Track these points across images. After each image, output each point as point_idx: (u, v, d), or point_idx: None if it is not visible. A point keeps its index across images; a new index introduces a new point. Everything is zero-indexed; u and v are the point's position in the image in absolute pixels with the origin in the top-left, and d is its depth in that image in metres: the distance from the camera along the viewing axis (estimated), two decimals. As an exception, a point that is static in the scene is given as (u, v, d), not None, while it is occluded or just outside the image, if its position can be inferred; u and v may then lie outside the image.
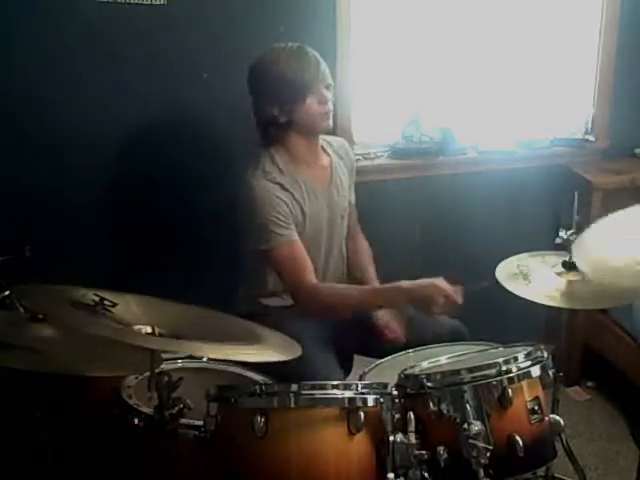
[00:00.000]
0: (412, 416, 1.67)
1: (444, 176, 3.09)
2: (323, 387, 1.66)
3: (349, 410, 1.63)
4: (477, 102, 3.15)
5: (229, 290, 2.45)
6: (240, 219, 2.29)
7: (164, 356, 1.86)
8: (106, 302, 1.77)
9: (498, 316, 2.88)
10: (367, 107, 3.03)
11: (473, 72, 3.12)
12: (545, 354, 1.83)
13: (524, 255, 2.28)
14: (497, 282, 2.14)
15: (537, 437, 1.75)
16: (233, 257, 2.45)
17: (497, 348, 2.04)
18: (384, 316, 2.37)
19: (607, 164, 3.23)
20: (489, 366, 1.74)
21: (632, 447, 2.84)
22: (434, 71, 3.08)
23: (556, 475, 2.38)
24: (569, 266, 2.16)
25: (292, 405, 1.63)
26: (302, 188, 2.29)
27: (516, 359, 1.77)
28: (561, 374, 2.16)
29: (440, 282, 2.10)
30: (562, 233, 2.17)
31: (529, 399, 1.76)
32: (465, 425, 1.66)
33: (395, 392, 1.70)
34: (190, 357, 2.10)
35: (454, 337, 2.28)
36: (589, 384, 3.25)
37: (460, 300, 2.10)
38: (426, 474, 1.64)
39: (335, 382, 1.68)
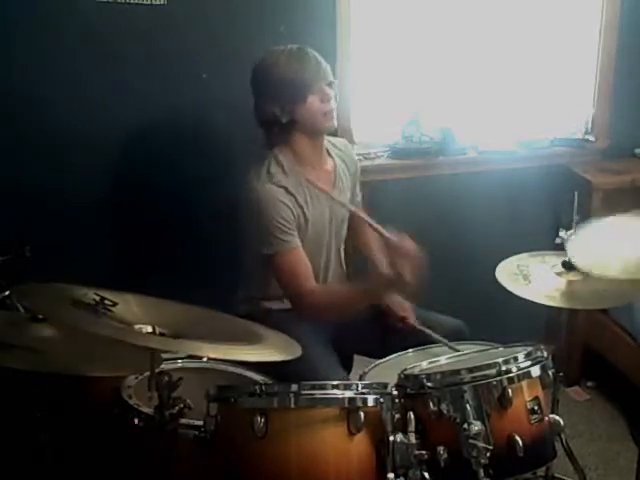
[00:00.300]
0: (412, 416, 1.67)
1: (444, 176, 3.09)
2: (323, 387, 1.66)
3: (349, 410, 1.63)
4: (477, 102, 3.15)
5: (229, 290, 2.45)
6: (243, 222, 2.28)
7: (164, 356, 1.86)
8: (106, 302, 1.77)
9: (498, 316, 2.88)
10: (367, 107, 3.03)
11: (473, 72, 3.12)
12: (545, 354, 1.83)
13: (524, 255, 2.29)
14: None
15: (537, 437, 1.75)
16: (233, 257, 2.45)
17: (497, 348, 2.04)
18: (395, 299, 2.36)
19: (607, 164, 3.22)
20: (489, 366, 1.74)
21: (632, 447, 2.84)
22: (434, 71, 3.08)
23: (556, 475, 2.38)
24: (569, 266, 2.16)
25: (292, 405, 1.63)
26: (305, 191, 2.28)
27: (516, 359, 1.77)
28: (561, 374, 2.17)
29: (404, 252, 2.04)
30: (562, 233, 2.17)
31: (529, 399, 1.76)
32: (465, 425, 1.66)
33: (395, 392, 1.70)
34: (190, 357, 2.10)
35: (455, 337, 2.28)
36: (589, 384, 3.25)
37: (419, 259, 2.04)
38: (426, 474, 1.64)
39: (335, 382, 1.68)
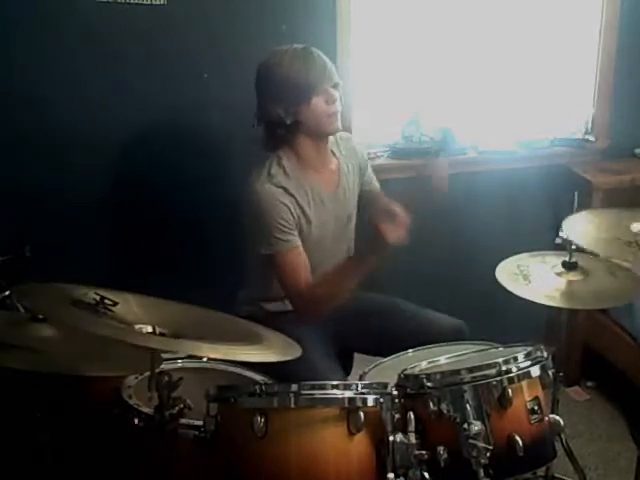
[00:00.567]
0: (412, 416, 1.67)
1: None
2: (323, 387, 1.66)
3: (349, 410, 1.63)
4: (477, 102, 3.15)
5: (229, 290, 2.45)
6: (244, 223, 2.28)
7: (164, 356, 1.86)
8: (107, 301, 1.77)
9: (498, 316, 2.88)
10: (367, 107, 3.03)
11: (473, 72, 3.12)
12: (545, 354, 1.83)
13: (524, 255, 2.29)
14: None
15: (537, 437, 1.75)
16: (233, 257, 2.45)
17: (497, 348, 2.04)
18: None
19: (607, 164, 3.22)
20: (489, 366, 1.74)
21: (632, 447, 2.84)
22: (434, 71, 3.08)
23: (556, 475, 2.38)
24: (569, 266, 2.16)
25: (292, 405, 1.63)
26: (308, 194, 2.28)
27: (516, 359, 1.77)
28: (561, 374, 2.17)
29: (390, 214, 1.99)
30: (562, 233, 2.16)
31: (529, 399, 1.76)
32: (465, 425, 1.66)
33: (395, 392, 1.70)
34: (190, 357, 2.10)
35: (456, 336, 2.28)
36: (589, 384, 3.25)
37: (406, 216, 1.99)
38: (426, 474, 1.64)
39: (335, 382, 1.68)
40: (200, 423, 1.72)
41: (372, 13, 2.93)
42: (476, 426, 1.66)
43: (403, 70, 3.05)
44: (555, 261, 2.21)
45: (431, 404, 1.71)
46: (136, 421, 1.85)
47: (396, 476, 1.62)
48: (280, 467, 1.62)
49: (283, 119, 2.22)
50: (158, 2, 2.62)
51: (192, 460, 1.75)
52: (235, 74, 2.61)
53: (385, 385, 1.71)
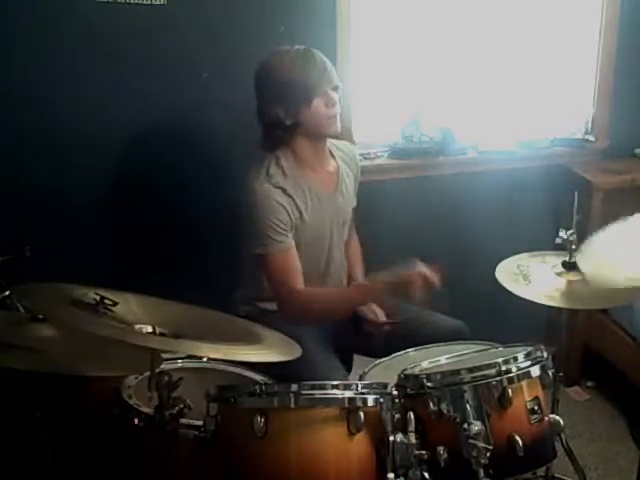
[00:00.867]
0: (412, 416, 1.67)
1: (444, 176, 3.09)
2: (323, 387, 1.66)
3: (349, 410, 1.63)
4: (477, 102, 3.15)
5: (229, 290, 2.45)
6: (240, 221, 2.28)
7: (164, 356, 1.86)
8: (107, 301, 1.77)
9: (498, 316, 2.88)
10: (367, 107, 3.03)
11: (473, 72, 3.12)
12: (545, 354, 1.83)
13: (524, 255, 2.29)
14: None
15: (537, 437, 1.75)
16: (233, 257, 2.45)
17: (497, 348, 2.04)
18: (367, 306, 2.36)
19: (607, 164, 3.22)
20: (489, 366, 1.74)
21: (632, 447, 2.84)
22: (434, 71, 3.08)
23: (556, 475, 2.38)
24: (569, 266, 2.16)
25: (292, 405, 1.63)
26: (305, 193, 2.28)
27: (516, 359, 1.77)
28: (561, 374, 2.17)
29: (416, 268, 2.11)
30: (562, 233, 2.16)
31: (529, 399, 1.76)
32: (465, 425, 1.66)
33: (395, 392, 1.70)
34: (190, 357, 2.10)
35: (456, 336, 2.28)
36: (589, 384, 3.25)
37: (438, 282, 2.10)
38: (426, 474, 1.64)
39: (335, 382, 1.68)
40: (200, 423, 1.72)
41: (372, 13, 2.93)
42: (476, 426, 1.66)
43: (403, 70, 3.05)
44: (555, 261, 2.21)
45: (431, 404, 1.71)
46: (136, 421, 1.85)
47: (396, 476, 1.62)
48: (280, 467, 1.62)
49: (283, 120, 2.22)
50: (158, 2, 2.62)
51: (192, 460, 1.74)
52: (235, 74, 2.61)
53: (385, 385, 1.71)
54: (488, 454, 1.65)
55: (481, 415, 1.70)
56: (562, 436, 2.06)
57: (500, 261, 2.26)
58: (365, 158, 2.94)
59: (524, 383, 1.76)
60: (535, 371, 1.78)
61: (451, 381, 1.73)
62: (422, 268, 2.11)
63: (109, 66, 2.61)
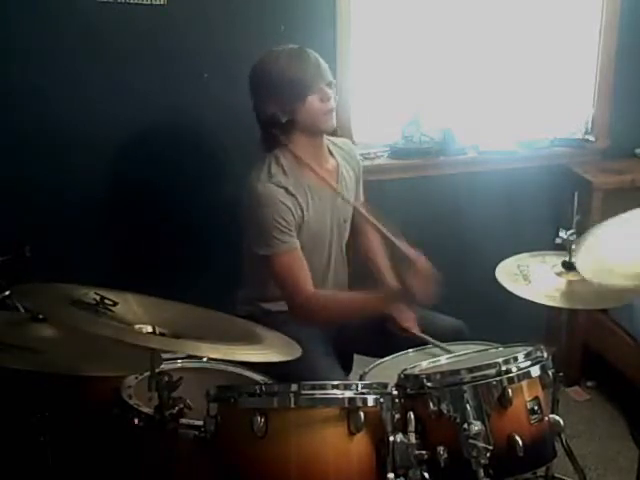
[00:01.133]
0: (412, 416, 1.67)
1: (444, 176, 3.09)
2: (323, 387, 1.66)
3: (349, 410, 1.63)
4: (477, 102, 3.15)
5: (229, 290, 2.45)
6: (243, 222, 2.28)
7: (164, 356, 1.86)
8: (107, 301, 1.77)
9: (498, 316, 2.88)
10: (367, 107, 3.03)
11: (473, 72, 3.12)
12: (545, 354, 1.83)
13: (524, 255, 2.29)
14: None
15: (537, 437, 1.75)
16: (233, 257, 2.45)
17: (497, 348, 2.04)
18: (400, 308, 2.35)
19: (607, 164, 3.22)
20: (489, 366, 1.74)
21: (632, 447, 2.84)
22: (434, 71, 3.08)
23: (556, 475, 2.38)
24: (569, 266, 2.16)
25: (292, 405, 1.63)
26: (306, 192, 2.28)
27: (516, 359, 1.77)
28: (561, 374, 2.16)
29: (418, 270, 2.10)
30: (562, 233, 2.16)
31: (529, 399, 1.76)
32: (465, 425, 1.66)
33: (395, 392, 1.70)
34: (190, 357, 2.10)
35: (456, 336, 2.28)
36: (589, 384, 3.25)
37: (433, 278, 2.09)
38: (426, 474, 1.65)
39: (335, 382, 1.68)
40: (200, 423, 1.72)
41: (372, 13, 2.93)
42: (476, 426, 1.66)
43: (403, 70, 3.05)
44: (555, 261, 2.21)
45: (431, 404, 1.71)
46: (136, 421, 1.85)
47: (396, 476, 1.62)
48: (280, 467, 1.62)
49: (279, 118, 2.23)
50: (158, 2, 2.62)
51: (192, 460, 1.75)
52: (235, 74, 2.60)
53: (385, 385, 1.71)
54: (488, 454, 1.65)
55: (481, 415, 1.70)
56: (562, 436, 2.06)
57: (500, 261, 2.26)
58: (365, 158, 2.93)
59: (524, 383, 1.76)
60: (535, 371, 1.78)
61: (451, 381, 1.73)
62: (422, 269, 2.10)
63: (109, 66, 2.61)
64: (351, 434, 1.63)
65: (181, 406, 1.72)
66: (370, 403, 1.65)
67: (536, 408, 1.76)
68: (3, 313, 2.07)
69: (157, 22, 2.64)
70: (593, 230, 2.06)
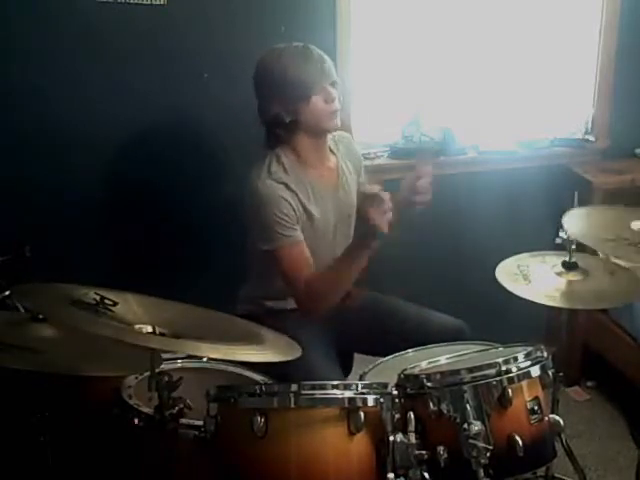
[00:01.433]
0: (412, 416, 1.67)
1: (444, 176, 3.08)
2: (323, 387, 1.66)
3: (349, 410, 1.63)
4: (477, 102, 3.15)
5: (229, 290, 2.45)
6: (246, 221, 2.28)
7: (164, 356, 1.86)
8: (107, 301, 1.77)
9: (498, 316, 2.88)
10: (367, 107, 3.03)
11: (473, 72, 3.12)
12: (545, 354, 1.83)
13: (524, 255, 2.28)
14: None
15: (537, 437, 1.75)
16: (233, 257, 2.45)
17: (497, 348, 2.04)
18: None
19: (607, 164, 3.22)
20: (489, 366, 1.74)
21: (632, 447, 2.84)
22: (434, 71, 3.08)
23: (556, 475, 2.38)
24: (569, 266, 2.16)
25: (292, 405, 1.63)
26: (308, 189, 2.27)
27: (516, 359, 1.77)
28: (561, 374, 2.16)
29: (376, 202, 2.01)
30: (562, 233, 2.16)
31: (529, 399, 1.76)
32: (465, 425, 1.66)
33: (395, 392, 1.70)
34: (190, 357, 2.10)
35: (456, 336, 2.28)
36: (589, 384, 3.24)
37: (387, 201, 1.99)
38: (426, 474, 1.64)
39: (335, 382, 1.68)
40: (200, 423, 1.72)
41: (372, 13, 2.93)
42: (476, 426, 1.66)
43: (403, 70, 3.05)
44: (555, 261, 2.21)
45: (431, 404, 1.71)
46: (136, 421, 1.85)
47: (396, 476, 1.62)
48: (280, 467, 1.62)
49: (282, 117, 2.22)
50: (158, 2, 2.62)
51: (192, 460, 1.75)
52: (235, 74, 2.61)
53: (385, 385, 1.71)
54: (488, 454, 1.65)
55: (481, 415, 1.70)
56: (562, 436, 2.06)
57: (500, 261, 2.26)
58: (365, 158, 2.93)
59: (524, 383, 1.76)
60: (535, 371, 1.78)
61: (451, 381, 1.73)
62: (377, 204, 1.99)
63: (109, 66, 2.61)
64: (351, 434, 1.63)
65: (181, 406, 1.72)
66: (370, 403, 1.65)
67: (536, 408, 1.76)
68: (3, 313, 2.07)
69: (157, 22, 2.64)
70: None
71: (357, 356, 2.48)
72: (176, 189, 2.74)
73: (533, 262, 2.25)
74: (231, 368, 2.11)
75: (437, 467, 1.67)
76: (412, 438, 1.64)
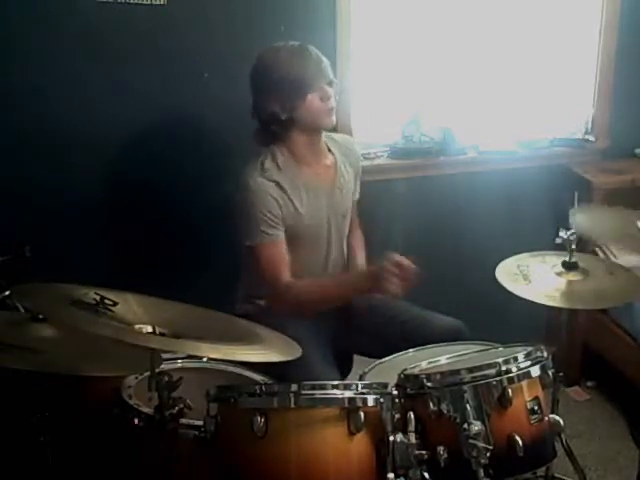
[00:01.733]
0: (412, 416, 1.67)
1: (444, 176, 3.09)
2: (323, 387, 1.66)
3: (349, 410, 1.63)
4: (477, 102, 3.15)
5: (229, 290, 2.45)
6: (235, 215, 2.30)
7: (164, 356, 1.86)
8: (107, 301, 1.77)
9: (498, 316, 2.88)
10: (367, 107, 3.03)
11: (473, 72, 3.12)
12: (545, 354, 1.83)
13: (524, 255, 2.28)
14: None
15: (537, 437, 1.75)
16: (233, 257, 2.45)
17: (497, 348, 2.04)
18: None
19: (607, 164, 3.22)
20: (489, 366, 1.74)
21: (632, 447, 2.84)
22: (434, 71, 3.08)
23: (556, 475, 2.38)
24: (569, 266, 2.16)
25: (292, 405, 1.63)
26: (300, 188, 2.29)
27: (516, 359, 1.77)
28: (561, 374, 2.16)
29: (391, 262, 2.07)
30: (562, 233, 2.16)
31: (529, 399, 1.76)
32: (465, 425, 1.66)
33: (395, 392, 1.70)
34: (190, 357, 2.10)
35: (456, 336, 2.28)
36: (589, 384, 3.24)
37: (414, 275, 2.06)
38: (426, 474, 1.65)
39: (335, 382, 1.68)
40: (200, 423, 1.72)
41: (372, 13, 2.93)
42: (476, 426, 1.66)
43: (403, 70, 3.05)
44: (555, 261, 2.21)
45: (431, 404, 1.71)
46: (136, 421, 1.85)
47: (396, 476, 1.62)
48: (280, 467, 1.62)
49: (278, 115, 2.24)
50: (158, 2, 2.62)
51: (192, 460, 1.75)
52: (235, 74, 2.60)
53: (385, 385, 1.71)
54: (488, 454, 1.65)
55: (481, 415, 1.70)
56: (562, 436, 2.06)
57: (500, 261, 2.26)
58: (365, 158, 2.93)
59: (524, 383, 1.76)
60: (535, 371, 1.79)
61: (451, 381, 1.73)
62: (394, 262, 2.07)
63: (109, 66, 2.61)
64: (351, 434, 1.63)
65: (181, 406, 1.72)
66: (370, 403, 1.65)
67: (536, 408, 1.76)
68: (3, 313, 2.07)
69: (157, 22, 2.64)
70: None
71: (357, 356, 2.48)
72: (176, 189, 2.74)
73: (533, 262, 2.25)
74: (231, 368, 2.11)
75: (437, 467, 1.67)
76: (412, 438, 1.64)
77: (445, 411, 1.71)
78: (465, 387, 1.72)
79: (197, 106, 2.73)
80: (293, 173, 2.29)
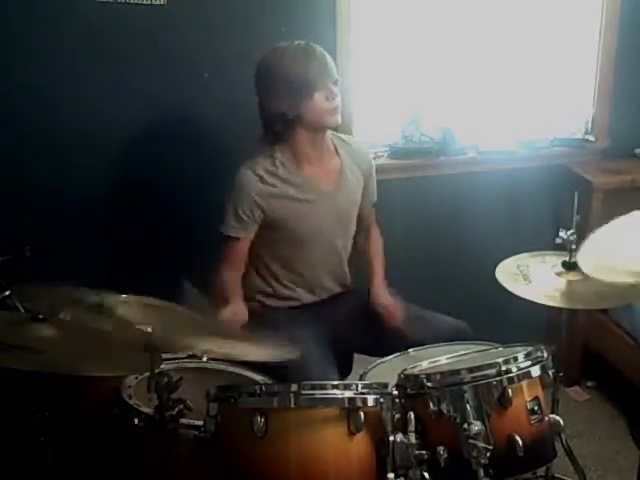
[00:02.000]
0: (412, 416, 1.67)
1: (444, 176, 3.09)
2: (323, 387, 1.66)
3: (349, 410, 1.63)
4: (477, 102, 3.15)
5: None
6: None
7: (164, 356, 1.86)
8: (107, 301, 1.77)
9: (498, 316, 2.88)
10: (367, 106, 3.03)
11: (473, 72, 3.12)
12: (545, 354, 1.83)
13: (524, 255, 2.28)
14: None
15: (537, 437, 1.75)
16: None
17: (497, 348, 2.04)
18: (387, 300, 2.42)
19: (607, 164, 3.22)
20: (489, 366, 1.74)
21: (632, 447, 2.84)
22: (434, 71, 3.08)
23: (556, 475, 2.38)
24: (569, 266, 2.16)
25: (292, 405, 1.63)
26: (298, 188, 2.29)
27: (516, 359, 1.77)
28: (561, 374, 2.16)
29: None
30: (562, 233, 2.16)
31: (529, 399, 1.76)
32: (465, 425, 1.67)
33: (395, 392, 1.70)
34: (190, 357, 2.10)
35: (457, 336, 2.28)
36: (589, 384, 3.24)
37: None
38: (426, 474, 1.65)
39: (335, 382, 1.68)
40: (200, 423, 1.72)
41: (372, 13, 2.93)
42: (476, 426, 1.66)
43: (403, 70, 3.05)
44: (555, 261, 2.21)
45: (431, 404, 1.71)
46: (136, 421, 1.85)
47: (396, 476, 1.62)
48: (280, 467, 1.62)
49: (284, 114, 2.24)
50: (158, 2, 2.62)
51: (192, 460, 1.75)
52: (235, 74, 2.61)
53: (385, 385, 1.71)
54: (488, 454, 1.66)
55: (481, 415, 1.70)
56: (562, 436, 2.06)
57: (500, 261, 2.26)
58: (365, 158, 2.93)
59: (524, 383, 1.76)
60: (535, 371, 1.79)
61: (451, 381, 1.73)
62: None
63: (109, 66, 2.61)
64: (351, 434, 1.63)
65: (181, 407, 1.72)
66: (370, 403, 1.65)
67: (536, 408, 1.76)
68: (3, 313, 2.07)
69: (157, 22, 2.64)
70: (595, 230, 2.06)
71: (357, 356, 2.48)
72: (176, 189, 2.74)
73: (533, 262, 2.25)
74: (231, 368, 2.11)
75: (437, 467, 1.67)
76: (412, 438, 1.64)
77: (445, 411, 1.71)
78: (465, 387, 1.72)
79: (197, 106, 2.73)
80: (293, 172, 2.29)
